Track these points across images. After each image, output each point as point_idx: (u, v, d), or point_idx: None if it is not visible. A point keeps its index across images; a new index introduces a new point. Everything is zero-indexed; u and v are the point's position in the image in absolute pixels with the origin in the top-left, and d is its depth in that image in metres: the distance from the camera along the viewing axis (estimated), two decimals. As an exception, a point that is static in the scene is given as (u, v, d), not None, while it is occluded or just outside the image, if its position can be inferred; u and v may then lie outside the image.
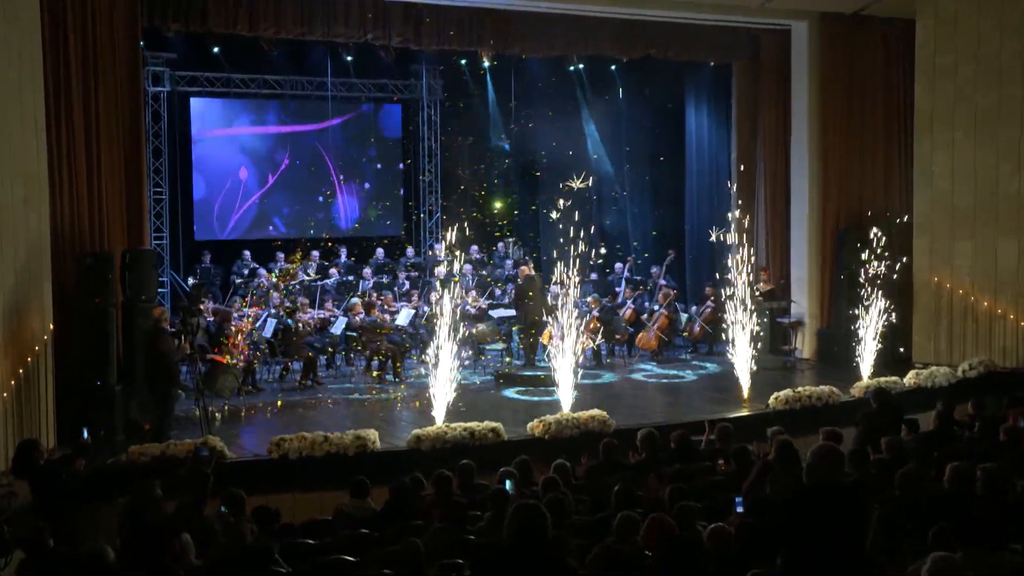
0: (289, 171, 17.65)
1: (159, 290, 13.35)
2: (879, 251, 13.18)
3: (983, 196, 13.80)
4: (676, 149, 18.02)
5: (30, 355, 9.67)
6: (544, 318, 13.82)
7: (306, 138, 17.74)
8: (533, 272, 14.65)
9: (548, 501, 5.70)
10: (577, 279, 11.07)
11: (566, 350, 10.89)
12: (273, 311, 13.50)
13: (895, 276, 13.50)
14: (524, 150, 18.34)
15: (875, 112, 15.00)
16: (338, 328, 13.72)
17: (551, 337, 12.52)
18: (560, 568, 4.37)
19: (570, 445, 9.57)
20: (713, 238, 13.23)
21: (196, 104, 16.91)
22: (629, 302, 15.44)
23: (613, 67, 17.29)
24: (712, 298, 15.34)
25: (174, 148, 16.45)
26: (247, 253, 16.16)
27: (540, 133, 18.00)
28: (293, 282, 15.01)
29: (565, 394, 10.82)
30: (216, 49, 15.72)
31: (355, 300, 14.30)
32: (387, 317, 13.93)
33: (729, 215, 16.11)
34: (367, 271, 16.11)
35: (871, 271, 12.96)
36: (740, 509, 6.03)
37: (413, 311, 14.42)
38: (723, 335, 12.85)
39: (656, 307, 15.35)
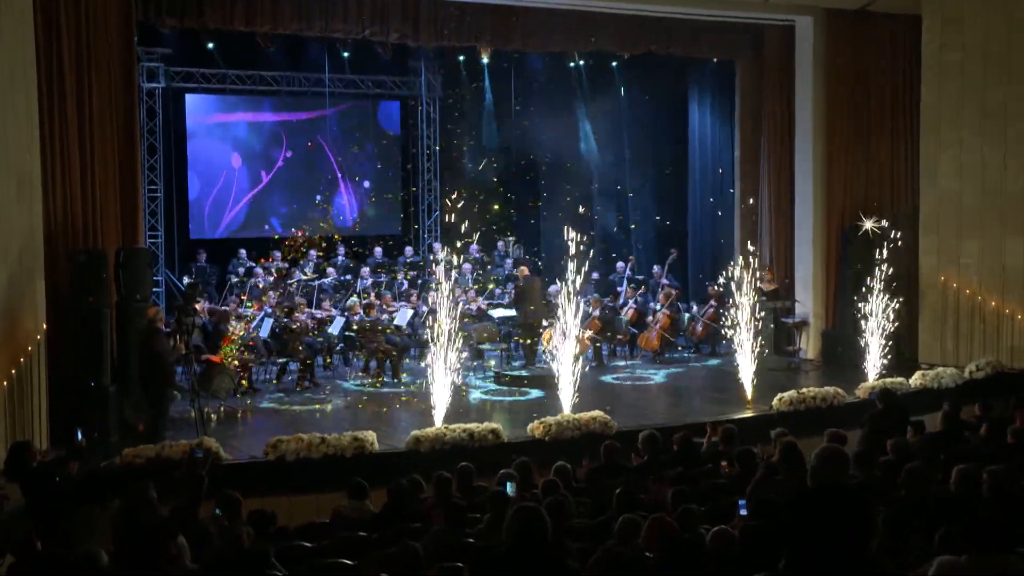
0: (286, 169, 17.64)
1: (154, 289, 13.34)
2: (884, 251, 13.19)
3: (990, 194, 13.79)
4: (679, 147, 18.03)
5: (23, 355, 9.66)
6: (544, 319, 13.84)
7: (303, 136, 17.72)
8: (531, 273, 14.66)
9: (548, 504, 5.69)
10: (579, 279, 11.05)
11: (567, 350, 10.88)
12: (270, 311, 13.50)
13: (901, 275, 13.50)
14: (524, 148, 18.33)
15: (880, 110, 14.98)
16: (336, 328, 13.72)
17: (551, 338, 12.53)
18: (560, 571, 4.36)
19: (571, 447, 9.58)
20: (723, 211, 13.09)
21: (191, 100, 16.90)
22: (631, 302, 15.44)
23: (614, 63, 17.29)
24: (715, 298, 15.33)
25: (169, 145, 16.44)
26: (243, 252, 16.15)
27: (540, 130, 17.99)
28: (290, 281, 15.01)
29: (565, 395, 10.82)
30: (211, 45, 15.72)
31: (353, 300, 14.30)
32: (385, 317, 13.93)
33: (732, 214, 16.24)
34: (365, 270, 16.10)
35: (876, 271, 12.96)
36: (744, 512, 6.02)
37: (412, 311, 14.42)
38: (726, 335, 12.86)
39: (658, 307, 15.34)
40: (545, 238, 18.08)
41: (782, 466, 6.89)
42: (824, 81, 14.81)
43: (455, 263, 11.64)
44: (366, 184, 18.26)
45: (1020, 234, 13.53)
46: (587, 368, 13.61)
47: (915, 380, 12.53)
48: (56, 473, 7.46)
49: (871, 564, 4.35)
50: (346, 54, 16.43)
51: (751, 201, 15.76)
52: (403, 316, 14.16)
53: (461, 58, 17.11)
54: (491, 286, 15.86)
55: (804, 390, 11.61)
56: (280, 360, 13.23)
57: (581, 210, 16.97)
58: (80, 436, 8.22)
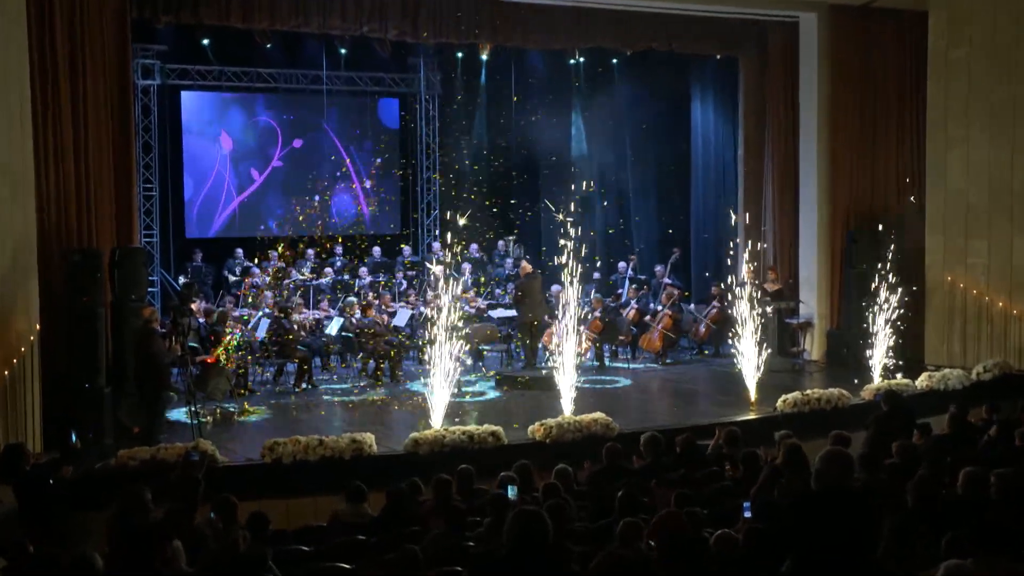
0: (283, 167, 17.64)
1: (149, 289, 13.33)
2: (890, 250, 13.19)
3: (998, 193, 13.79)
4: (681, 145, 18.04)
5: (16, 356, 9.66)
6: (545, 318, 13.83)
7: (300, 134, 17.71)
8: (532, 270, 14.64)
9: (549, 507, 5.69)
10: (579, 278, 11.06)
11: (568, 351, 10.88)
12: (267, 311, 13.50)
13: (907, 275, 13.50)
14: (525, 146, 18.33)
15: (886, 107, 14.97)
16: (334, 329, 13.72)
17: (552, 338, 12.53)
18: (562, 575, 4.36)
19: (572, 449, 9.57)
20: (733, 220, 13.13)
21: (187, 98, 16.89)
22: (633, 302, 15.44)
23: (614, 60, 17.29)
24: (718, 298, 15.33)
25: (164, 143, 16.43)
26: (240, 251, 16.15)
27: (541, 128, 17.99)
28: (287, 281, 15.01)
29: (566, 397, 10.82)
30: (207, 41, 15.70)
31: (351, 300, 14.30)
32: (384, 318, 13.93)
33: (735, 213, 16.22)
34: (363, 270, 16.11)
35: (882, 271, 12.96)
36: (748, 514, 6.02)
37: (411, 311, 14.42)
38: (729, 336, 12.85)
39: (660, 307, 15.34)
40: (545, 237, 18.07)
41: (786, 469, 6.89)
42: (828, 78, 14.81)
43: (450, 262, 11.62)
44: (367, 184, 18.24)
45: (1028, 234, 13.54)
46: (588, 369, 13.71)
47: (921, 382, 12.53)
48: (50, 476, 7.46)
49: (876, 568, 4.36)
50: (344, 51, 16.43)
51: (755, 200, 15.75)
52: (402, 317, 14.16)
53: (460, 55, 17.10)
54: (482, 289, 15.84)
55: (808, 392, 11.61)
56: (277, 361, 13.23)
57: (582, 209, 16.94)
58: (74, 438, 8.22)
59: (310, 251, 16.15)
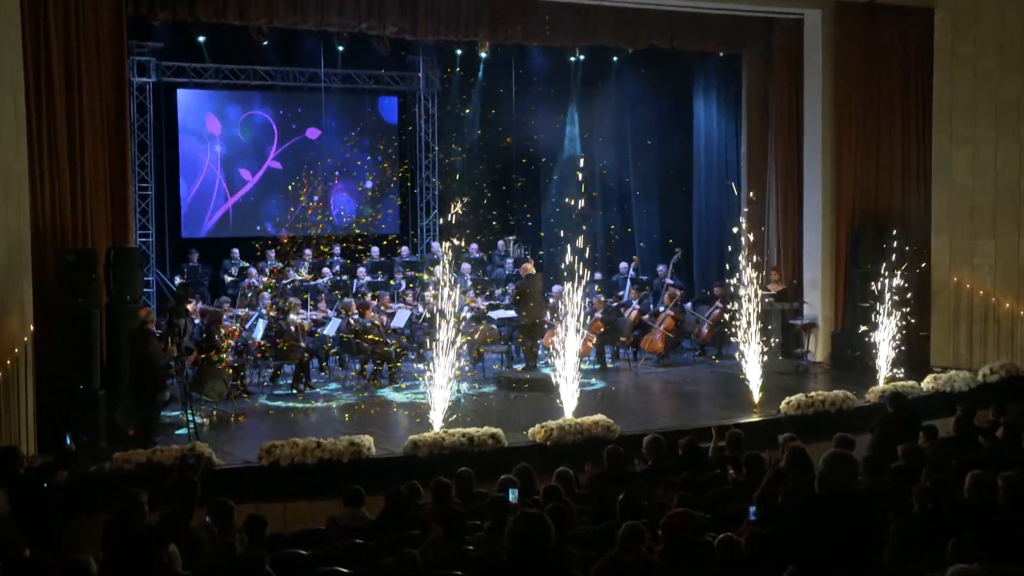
0: (279, 166, 17.63)
1: (144, 290, 13.34)
2: (895, 250, 13.18)
3: (1005, 192, 13.78)
4: (683, 143, 18.03)
5: (9, 357, 9.66)
6: (545, 319, 13.84)
7: (297, 132, 17.71)
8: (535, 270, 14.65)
9: (550, 510, 5.69)
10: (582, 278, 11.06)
11: (569, 353, 10.88)
12: (264, 312, 13.50)
13: (913, 276, 13.50)
14: (525, 144, 18.33)
15: (892, 105, 14.97)
16: (331, 330, 13.71)
17: (553, 339, 12.53)
18: (563, 580, 4.37)
19: (573, 452, 9.58)
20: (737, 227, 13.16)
21: (183, 96, 16.90)
22: (634, 303, 15.43)
23: (615, 58, 17.30)
24: (721, 299, 15.33)
25: (160, 142, 16.43)
26: (236, 251, 16.15)
27: (541, 127, 17.99)
28: (284, 281, 15.01)
29: (567, 398, 10.81)
30: (204, 38, 15.70)
31: (349, 300, 14.29)
32: (383, 318, 13.92)
33: (739, 213, 16.21)
34: (361, 270, 16.11)
35: (887, 271, 12.96)
36: (753, 517, 6.03)
37: (409, 312, 14.42)
38: (732, 337, 12.85)
39: (662, 308, 15.34)
40: (546, 237, 18.08)
41: (790, 472, 6.89)
42: (833, 76, 14.80)
43: (449, 262, 11.63)
44: (368, 184, 18.23)
45: (1036, 233, 13.54)
46: (589, 370, 13.71)
47: (927, 384, 12.53)
48: (44, 480, 7.46)
49: (881, 572, 4.36)
50: (341, 48, 16.43)
51: (758, 199, 15.75)
52: (401, 318, 14.16)
53: (459, 52, 17.10)
54: (486, 290, 15.85)
55: (812, 394, 11.61)
56: (274, 362, 13.23)
57: (583, 208, 16.93)
58: (69, 441, 8.23)
59: (308, 251, 16.16)
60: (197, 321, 12.68)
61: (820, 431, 10.31)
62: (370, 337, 13.31)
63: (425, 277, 15.59)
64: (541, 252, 17.77)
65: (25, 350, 9.88)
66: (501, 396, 12.72)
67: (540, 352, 14.09)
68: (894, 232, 13.90)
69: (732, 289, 13.45)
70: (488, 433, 9.93)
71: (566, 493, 7.00)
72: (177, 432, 10.61)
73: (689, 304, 16.07)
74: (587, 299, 13.91)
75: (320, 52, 16.80)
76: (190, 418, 10.31)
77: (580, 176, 15.35)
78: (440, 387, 10.42)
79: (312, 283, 15.37)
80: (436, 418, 10.32)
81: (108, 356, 10.58)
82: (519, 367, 14.19)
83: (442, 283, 10.77)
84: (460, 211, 14.43)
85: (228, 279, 15.71)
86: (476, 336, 14.09)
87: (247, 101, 17.49)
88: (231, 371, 12.24)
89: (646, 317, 15.26)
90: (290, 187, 17.40)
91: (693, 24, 14.83)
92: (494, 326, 14.75)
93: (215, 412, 11.66)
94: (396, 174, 18.41)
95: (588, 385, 13.35)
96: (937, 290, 14.33)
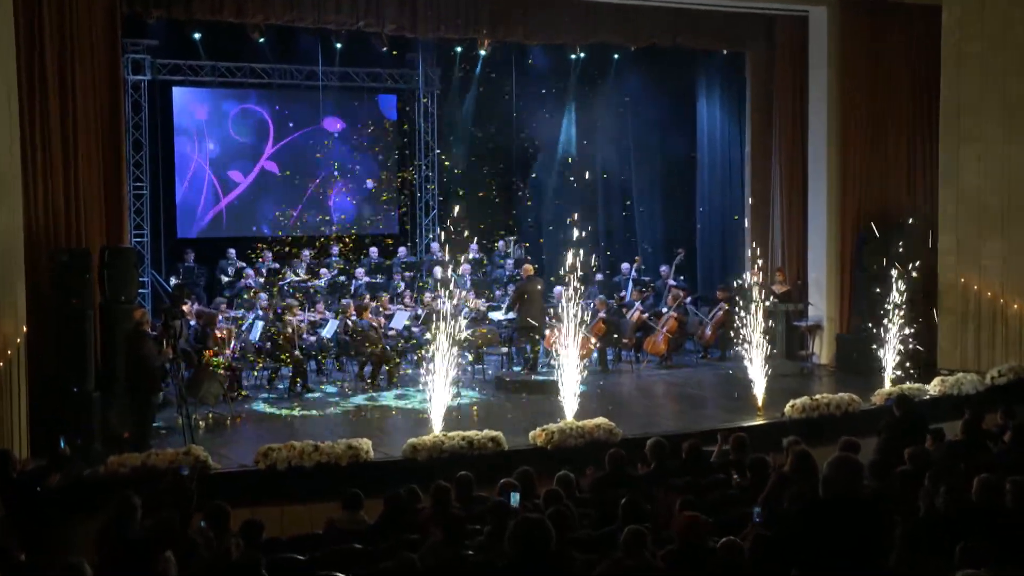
0: (277, 165, 17.63)
1: (140, 291, 13.33)
2: (902, 251, 13.18)
3: (1014, 191, 13.77)
4: (686, 142, 18.04)
5: (2, 359, 9.66)
6: (547, 320, 13.84)
7: (294, 130, 17.71)
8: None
9: (551, 515, 5.69)
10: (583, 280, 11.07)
11: (570, 355, 10.88)
12: (261, 313, 13.50)
13: (920, 277, 13.50)
14: (526, 143, 18.34)
15: (898, 104, 14.97)
16: (329, 331, 13.71)
17: (554, 341, 12.53)
18: (565, 585, 4.37)
19: (574, 455, 9.57)
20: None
21: (179, 94, 16.89)
22: (637, 304, 15.44)
23: (616, 56, 17.30)
24: (724, 300, 15.33)
25: (155, 140, 16.43)
26: (232, 252, 16.14)
27: (542, 125, 18.00)
28: (282, 282, 15.01)
29: (569, 401, 10.81)
30: (199, 36, 15.71)
31: (347, 301, 14.30)
32: (382, 320, 13.92)
33: (742, 212, 16.23)
34: (360, 271, 16.11)
35: (894, 272, 12.96)
36: (757, 520, 6.03)
37: (408, 314, 14.42)
38: (736, 339, 12.86)
39: (665, 309, 15.34)
40: (546, 237, 18.08)
41: (794, 476, 6.89)
42: (839, 74, 14.80)
43: (450, 263, 11.65)
44: (369, 184, 18.21)
45: (1044, 234, 13.53)
46: (591, 373, 13.70)
47: (934, 386, 12.52)
48: (37, 483, 7.47)
49: (888, 577, 4.36)
50: (339, 45, 16.43)
51: (762, 199, 15.75)
52: (400, 319, 14.16)
53: (459, 50, 17.10)
54: (486, 294, 15.85)
55: (817, 396, 11.60)
56: (271, 364, 13.22)
57: (584, 207, 16.95)
58: (63, 444, 8.22)
59: (305, 252, 16.16)
60: (193, 323, 12.69)
61: (825, 434, 10.31)
62: (368, 335, 13.30)
63: (427, 284, 15.61)
64: (544, 255, 17.77)
65: (18, 351, 9.88)
66: (501, 399, 12.71)
67: (541, 354, 14.09)
68: (900, 232, 13.90)
69: (736, 289, 13.47)
70: (488, 436, 9.94)
71: (567, 497, 6.99)
72: (173, 435, 10.60)
73: (691, 303, 16.05)
74: (589, 300, 13.95)
75: (318, 50, 16.80)
76: (185, 421, 10.31)
77: (581, 175, 15.35)
78: (439, 390, 10.41)
79: (310, 284, 15.36)
80: (435, 421, 10.32)
81: (102, 358, 10.58)
82: (518, 369, 14.19)
83: (440, 284, 10.77)
84: (460, 217, 14.45)
85: (224, 279, 15.70)
86: (476, 337, 14.10)
87: (243, 99, 17.48)
88: (227, 373, 12.24)
89: (648, 318, 15.25)
90: (294, 177, 17.40)
91: (696, 21, 14.83)
92: (494, 328, 14.76)
93: (211, 415, 11.66)
94: (396, 175, 18.41)
95: (616, 387, 13.40)
96: (944, 291, 14.32)
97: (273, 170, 17.62)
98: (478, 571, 5.59)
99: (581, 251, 11.08)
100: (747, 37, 15.44)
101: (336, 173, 17.82)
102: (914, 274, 13.34)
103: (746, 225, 15.97)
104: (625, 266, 16.89)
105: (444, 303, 10.66)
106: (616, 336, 14.95)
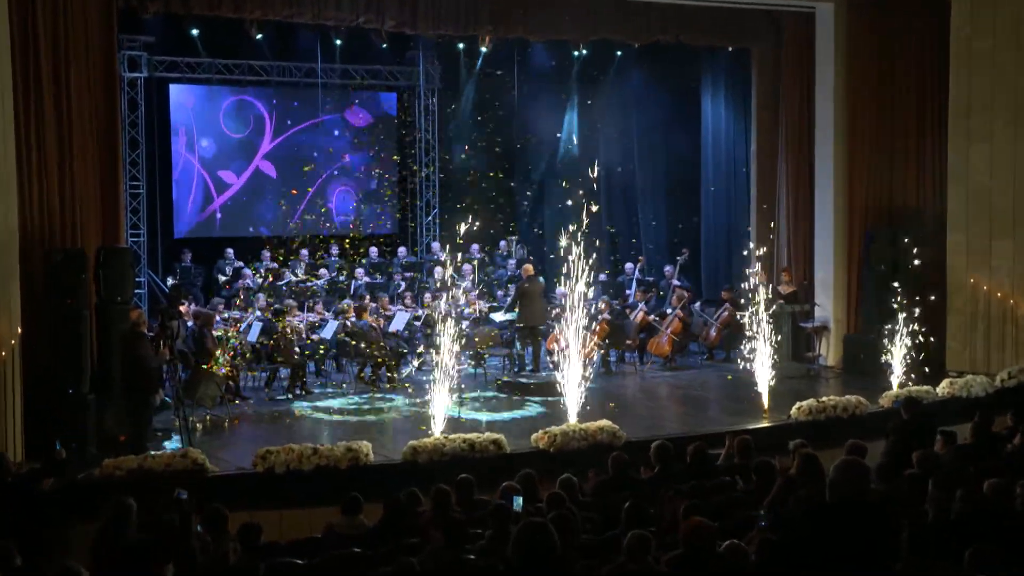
0: (275, 163, 17.64)
1: (136, 291, 13.35)
2: (910, 251, 13.17)
3: (1023, 191, 13.76)
4: (691, 141, 18.04)
5: (-4, 360, 9.68)
6: (548, 321, 13.85)
7: (292, 127, 17.71)
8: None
9: (554, 519, 5.69)
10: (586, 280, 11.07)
11: (573, 356, 10.89)
12: (259, 314, 13.50)
13: (928, 277, 13.49)
14: (527, 142, 18.34)
15: (906, 101, 14.95)
16: (328, 332, 13.72)
17: (556, 342, 12.53)
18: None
19: (577, 458, 9.57)
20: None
21: (175, 91, 16.90)
22: (640, 304, 15.44)
23: (619, 52, 17.31)
24: (729, 301, 15.33)
25: (152, 139, 16.44)
26: (230, 251, 16.15)
27: (544, 123, 18.00)
28: (280, 283, 15.02)
29: (571, 403, 10.81)
30: (196, 32, 15.72)
31: (347, 302, 14.30)
32: (381, 321, 13.93)
33: (748, 211, 16.23)
34: (359, 271, 16.11)
35: (901, 273, 12.95)
36: (763, 524, 6.03)
37: (408, 315, 14.42)
38: (741, 340, 12.86)
39: (669, 310, 15.34)
40: (548, 237, 18.08)
41: (801, 479, 6.89)
42: (846, 71, 14.80)
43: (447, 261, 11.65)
44: (371, 184, 18.22)
45: (1055, 233, 13.52)
46: (594, 374, 13.70)
47: (943, 388, 12.51)
48: (31, 487, 7.47)
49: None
50: (339, 42, 16.44)
51: (768, 198, 15.75)
52: (399, 320, 14.16)
53: (461, 46, 17.10)
54: (494, 282, 15.86)
55: (824, 399, 11.60)
56: (270, 366, 13.23)
57: (587, 207, 16.94)
58: (59, 447, 8.24)
59: (304, 251, 16.17)
60: (190, 323, 12.69)
61: (832, 437, 10.29)
62: (368, 336, 13.31)
63: (428, 284, 15.61)
64: (545, 255, 17.76)
65: (12, 353, 9.89)
66: (503, 401, 12.72)
67: (543, 355, 14.10)
68: (908, 232, 13.89)
69: (740, 291, 13.46)
70: (490, 439, 9.94)
71: (570, 501, 6.99)
72: (169, 438, 10.61)
73: (698, 305, 16.05)
74: (592, 301, 13.94)
75: (317, 46, 16.82)
76: (182, 423, 10.31)
77: (584, 174, 15.33)
78: (440, 391, 10.41)
79: (309, 284, 15.36)
80: (436, 423, 10.32)
81: (98, 359, 10.58)
82: (518, 371, 14.19)
83: (440, 284, 10.77)
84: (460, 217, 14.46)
85: (222, 279, 15.71)
86: (477, 338, 14.11)
87: (241, 96, 17.48)
88: (225, 375, 12.25)
89: (653, 319, 15.25)
90: (292, 177, 17.39)
91: (700, 17, 14.83)
92: (496, 329, 14.77)
93: (208, 417, 11.67)
94: (396, 174, 18.41)
95: (619, 389, 13.40)
96: (953, 292, 14.31)
97: (271, 169, 17.62)
98: (479, 575, 5.60)
99: (583, 251, 11.06)
100: (752, 34, 15.43)
101: (336, 172, 17.83)
102: (922, 275, 13.33)
103: (751, 225, 15.97)
104: (629, 266, 16.89)
105: (445, 304, 10.65)
106: (619, 337, 14.94)
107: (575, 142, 18.26)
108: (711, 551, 5.05)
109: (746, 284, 12.85)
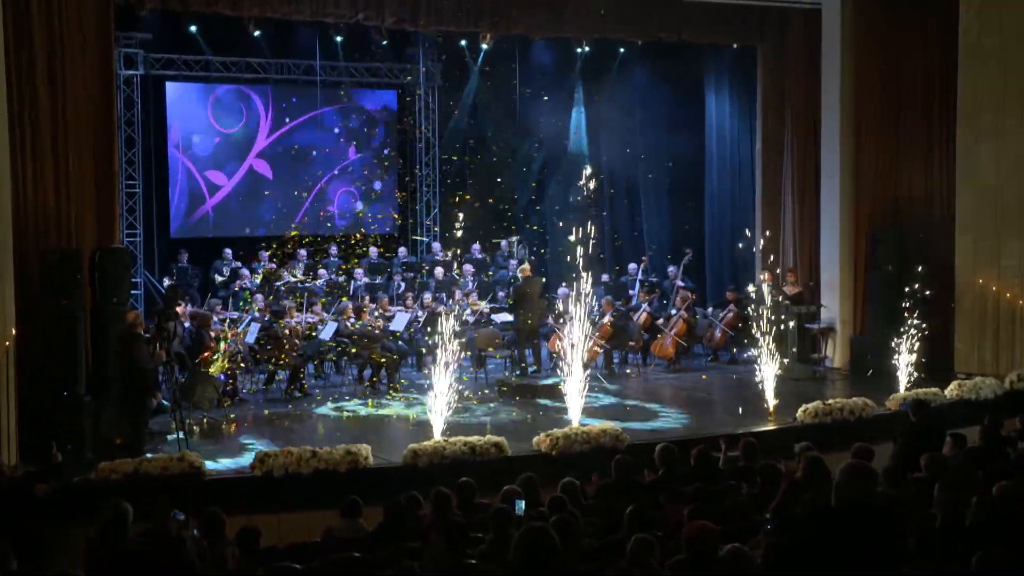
0: (272, 162, 17.65)
1: (132, 292, 13.36)
2: (917, 251, 13.16)
3: (1033, 190, 13.77)
4: (695, 139, 18.04)
5: (-9, 362, 9.68)
6: (547, 322, 13.85)
7: (291, 126, 17.72)
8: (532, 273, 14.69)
9: (555, 523, 5.70)
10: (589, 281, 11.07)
11: (575, 358, 10.89)
12: (257, 315, 13.50)
13: (936, 278, 13.48)
14: (528, 140, 18.34)
15: (913, 99, 14.95)
16: (327, 333, 13.72)
17: (558, 344, 12.54)
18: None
19: (579, 461, 9.59)
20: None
21: (172, 89, 16.92)
22: (644, 306, 15.44)
23: (622, 49, 17.31)
24: (734, 302, 15.33)
25: (148, 137, 16.46)
26: (228, 252, 16.16)
27: (546, 122, 18.01)
28: (279, 283, 15.02)
29: (574, 406, 10.82)
30: (194, 29, 15.74)
31: (346, 303, 14.31)
32: (381, 322, 13.93)
33: (752, 211, 16.23)
34: (359, 271, 16.12)
35: (909, 273, 12.95)
36: (769, 527, 6.03)
37: (408, 315, 14.43)
38: (746, 342, 12.86)
39: (673, 311, 15.34)
40: (550, 236, 18.09)
41: (806, 482, 6.89)
42: (853, 69, 14.80)
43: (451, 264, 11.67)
44: (360, 179, 18.24)
45: (1064, 233, 13.51)
46: (597, 376, 13.71)
47: (951, 391, 12.50)
48: (26, 491, 7.48)
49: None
50: (339, 38, 16.45)
51: (773, 198, 15.75)
52: (400, 321, 14.16)
53: (464, 43, 17.11)
54: (495, 283, 15.87)
55: (830, 401, 11.59)
56: (268, 368, 13.24)
57: (589, 207, 16.97)
58: (55, 449, 8.25)
59: (302, 251, 16.17)
60: (187, 324, 12.70)
61: (838, 440, 10.29)
62: (368, 337, 13.32)
63: (428, 285, 15.62)
64: (546, 255, 17.78)
65: (7, 355, 9.89)
66: (505, 403, 12.72)
67: (544, 357, 14.10)
68: (916, 232, 13.87)
69: (745, 293, 13.46)
70: (491, 442, 9.94)
71: (572, 504, 6.99)
72: (166, 441, 10.61)
73: (710, 311, 16.02)
74: (595, 302, 13.94)
75: (316, 43, 16.83)
76: (180, 426, 10.32)
77: (587, 173, 15.34)
78: (441, 393, 10.42)
79: (307, 285, 15.37)
80: (437, 426, 10.33)
81: (94, 361, 10.60)
82: (519, 373, 14.19)
83: (441, 285, 10.78)
84: (460, 221, 14.47)
85: (219, 280, 15.72)
86: (478, 340, 14.11)
87: (239, 95, 17.49)
88: (223, 376, 12.26)
89: (660, 321, 15.23)
90: (291, 176, 17.39)
91: (704, 14, 14.84)
92: (497, 330, 14.77)
93: (206, 419, 11.67)
94: (395, 172, 18.41)
95: (623, 392, 13.39)
96: (962, 293, 14.29)
97: (269, 167, 17.64)
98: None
99: (585, 251, 11.07)
100: (758, 31, 15.44)
101: (336, 172, 17.85)
102: (930, 275, 13.32)
103: (757, 224, 15.97)
104: (632, 267, 16.89)
105: (445, 305, 10.65)
106: (623, 339, 14.94)
107: (577, 141, 18.26)
108: (714, 555, 5.04)
109: (752, 286, 12.86)
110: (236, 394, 12.67)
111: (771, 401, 11.86)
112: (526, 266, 14.68)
